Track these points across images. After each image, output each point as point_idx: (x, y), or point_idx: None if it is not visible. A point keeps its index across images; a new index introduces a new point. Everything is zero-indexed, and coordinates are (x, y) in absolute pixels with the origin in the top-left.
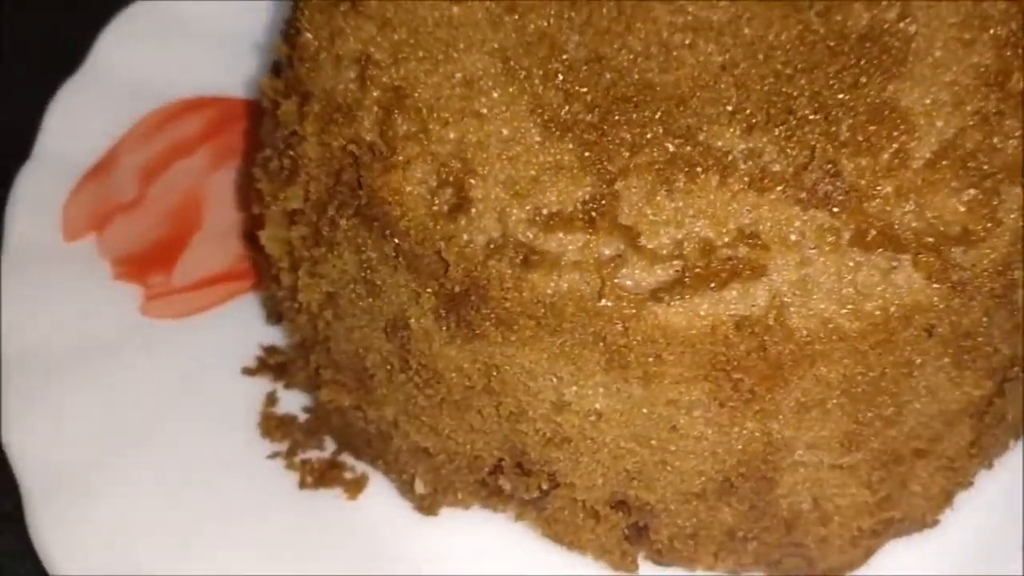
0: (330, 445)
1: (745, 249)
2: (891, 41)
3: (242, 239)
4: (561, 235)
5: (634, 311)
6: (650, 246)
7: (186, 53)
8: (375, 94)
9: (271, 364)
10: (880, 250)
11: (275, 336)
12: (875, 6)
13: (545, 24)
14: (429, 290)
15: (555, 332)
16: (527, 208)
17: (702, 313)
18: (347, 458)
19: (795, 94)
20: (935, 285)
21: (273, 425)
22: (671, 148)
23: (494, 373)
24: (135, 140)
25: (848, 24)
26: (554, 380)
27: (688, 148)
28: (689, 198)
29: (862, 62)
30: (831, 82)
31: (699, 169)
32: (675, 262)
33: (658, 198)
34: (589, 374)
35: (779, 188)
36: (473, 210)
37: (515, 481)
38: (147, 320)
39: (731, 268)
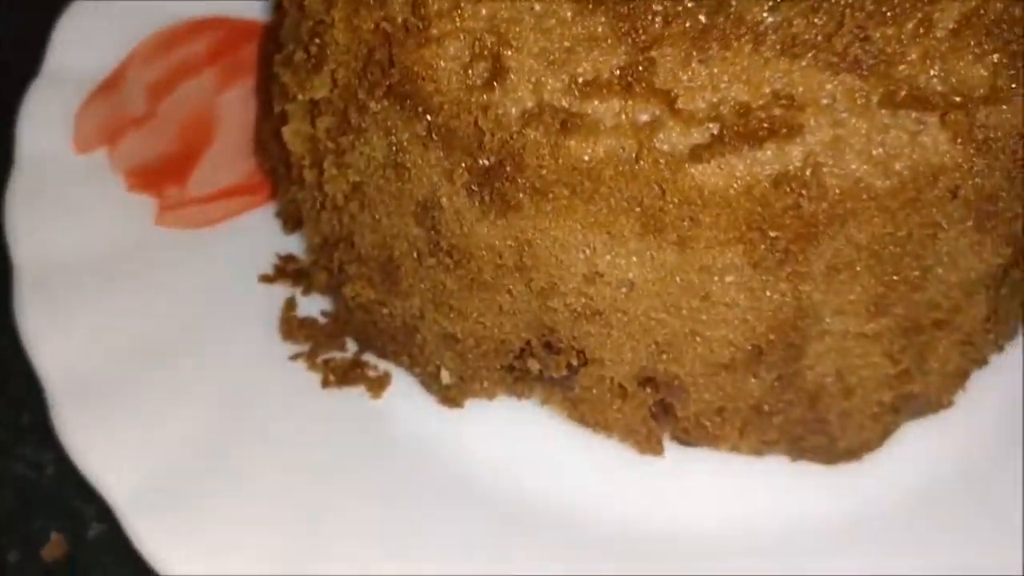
0: (352, 347)
1: (780, 110)
2: None
3: (256, 153)
4: (597, 102)
5: (671, 173)
6: (688, 109)
7: None
8: None
9: (289, 271)
10: (908, 111)
11: (291, 246)
12: None
13: None
14: (463, 166)
15: (591, 199)
16: (563, 77)
17: (739, 173)
18: (370, 358)
19: None
20: (960, 146)
21: (294, 327)
22: (703, 19)
23: (526, 248)
24: (143, 58)
25: None
26: (587, 252)
27: (720, 18)
28: (724, 64)
29: None
30: None
31: (732, 37)
32: (712, 124)
33: (693, 64)
34: (623, 241)
35: (810, 54)
36: (508, 81)
37: (544, 360)
38: (162, 230)
39: (769, 127)
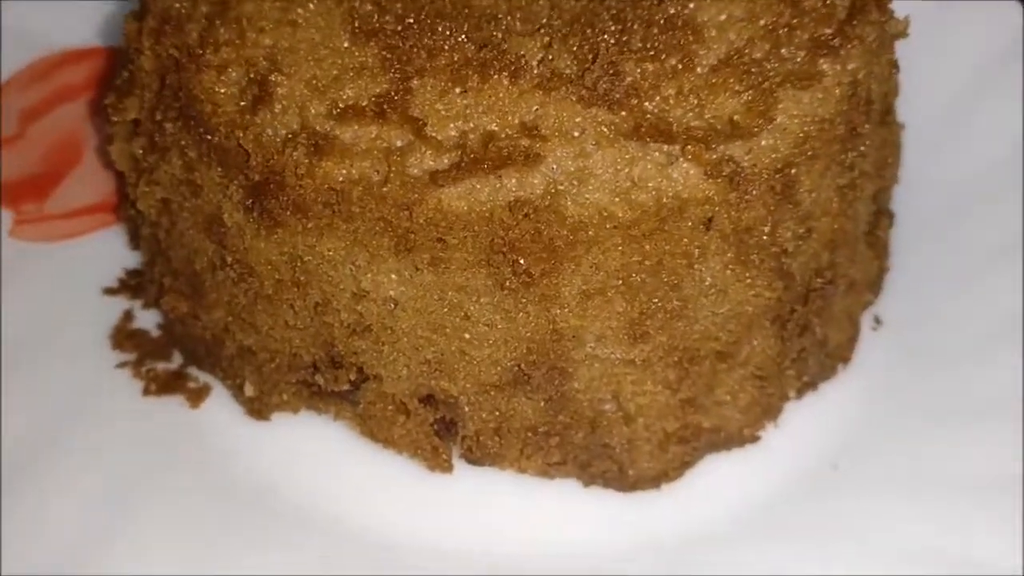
0: (179, 359)
1: (526, 140)
2: None
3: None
4: (355, 127)
5: (418, 196)
6: (436, 136)
7: (74, 3)
8: (203, 9)
9: (130, 285)
10: (656, 144)
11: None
12: None
13: None
14: (236, 183)
15: (348, 219)
16: (326, 103)
17: (482, 198)
18: (193, 370)
19: (602, 13)
20: (711, 179)
21: (124, 337)
22: (469, 54)
23: (298, 263)
24: (20, 85)
25: None
26: (352, 268)
27: (484, 52)
28: (480, 96)
29: None
30: (639, 3)
31: (492, 71)
32: (457, 151)
33: (450, 95)
34: (381, 260)
35: (565, 88)
36: (276, 105)
37: (328, 375)
38: (14, 242)
39: (510, 156)
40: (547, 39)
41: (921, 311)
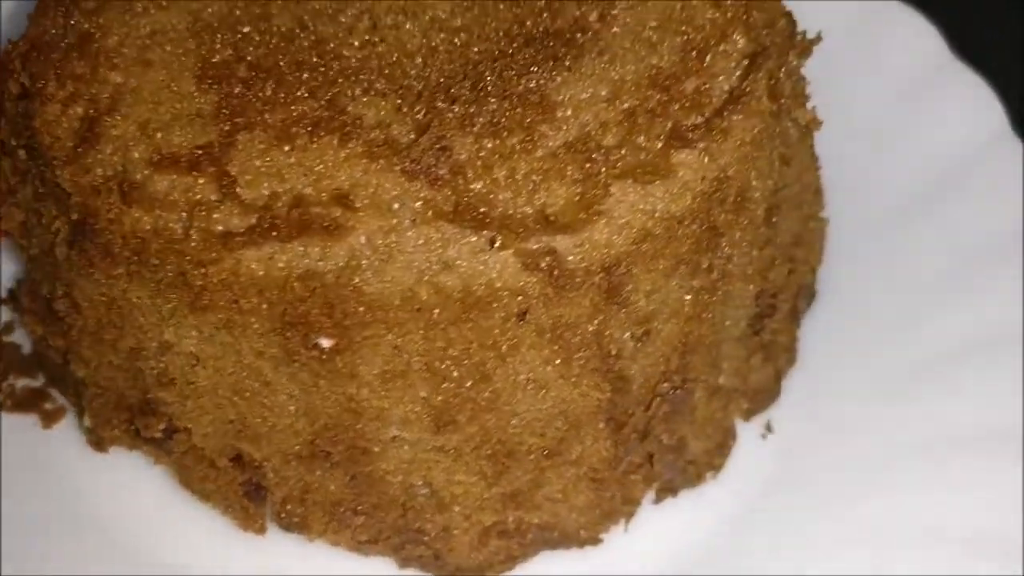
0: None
1: (337, 210)
2: (580, 37)
3: None
4: (172, 176)
5: (215, 255)
6: (245, 195)
7: None
8: (70, 39)
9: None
10: (475, 229)
11: None
12: (584, 5)
13: None
14: (62, 219)
15: (151, 269)
16: (150, 148)
17: (279, 265)
18: (56, 392)
19: (464, 80)
20: (527, 270)
21: None
22: (307, 111)
23: (114, 306)
24: None
25: (556, 22)
26: (157, 318)
27: (322, 113)
28: (304, 156)
29: (540, 55)
30: (504, 72)
31: (323, 131)
32: (261, 212)
33: (273, 153)
34: (182, 315)
35: (392, 157)
36: (107, 146)
37: (140, 421)
38: None
39: (310, 223)
40: (398, 103)
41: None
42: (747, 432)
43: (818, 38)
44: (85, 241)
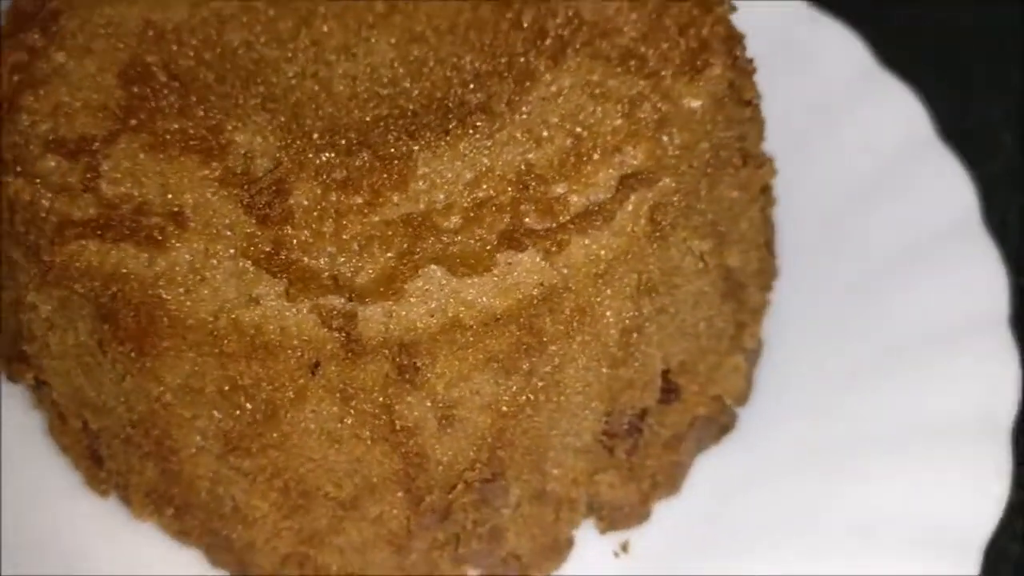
0: None
1: (172, 225)
2: (478, 117)
3: None
4: (58, 159)
5: (62, 237)
6: (105, 191)
7: None
8: (43, 14)
9: None
10: (280, 273)
11: None
12: (504, 84)
13: None
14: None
15: (19, 236)
16: (51, 129)
17: (112, 261)
18: None
19: (345, 130)
20: (324, 327)
21: None
22: (188, 126)
23: (2, 259)
24: None
25: (474, 95)
26: (26, 279)
27: (200, 131)
28: (167, 167)
29: (435, 123)
30: (392, 130)
31: (192, 150)
32: (107, 211)
33: (144, 159)
34: (36, 284)
35: (239, 188)
36: (21, 117)
37: (15, 367)
38: None
39: (138, 230)
40: (283, 140)
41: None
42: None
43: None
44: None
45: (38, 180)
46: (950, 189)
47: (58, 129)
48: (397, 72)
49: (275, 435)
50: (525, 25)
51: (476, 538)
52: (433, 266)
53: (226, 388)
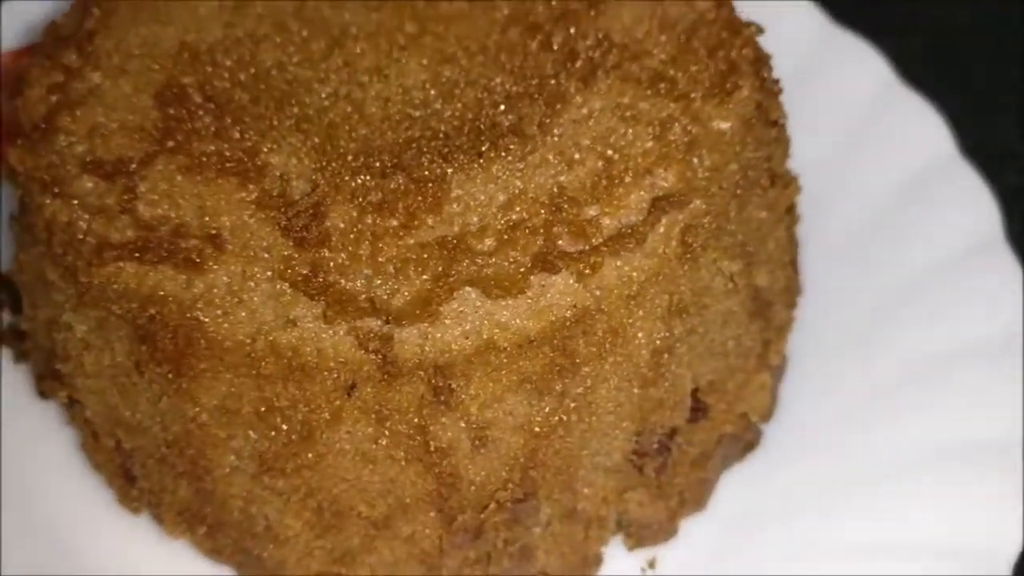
0: None
1: (209, 247)
2: (510, 140)
3: None
4: (96, 179)
5: (100, 259)
6: (142, 212)
7: None
8: (79, 34)
9: None
10: (319, 296)
11: None
12: (535, 106)
13: None
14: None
15: (56, 257)
16: (88, 150)
17: (150, 283)
18: None
19: (379, 154)
20: (360, 349)
21: None
22: (225, 148)
23: (39, 279)
24: None
25: (506, 116)
26: (62, 298)
27: (236, 154)
28: (204, 189)
29: (467, 146)
30: (426, 152)
31: (229, 172)
32: (145, 232)
33: (181, 180)
34: (72, 305)
35: (277, 211)
36: (57, 137)
37: (48, 385)
38: None
39: (175, 251)
40: (319, 163)
41: None
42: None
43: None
44: (21, 217)
45: (75, 201)
46: (974, 208)
47: (95, 150)
48: (429, 94)
49: (310, 456)
50: (555, 47)
51: (507, 556)
52: (468, 288)
53: (262, 409)
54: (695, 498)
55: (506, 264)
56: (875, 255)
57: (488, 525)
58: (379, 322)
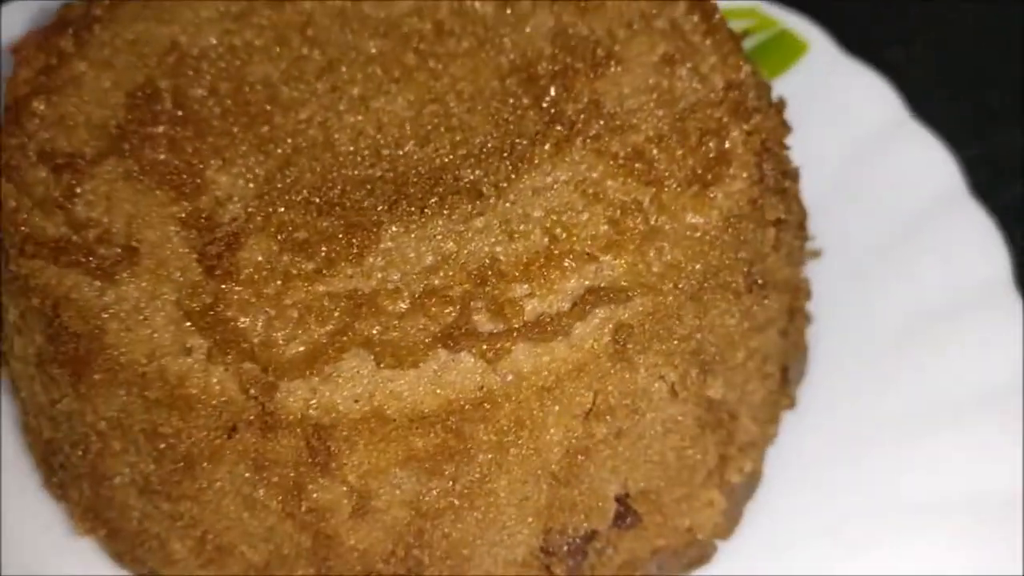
0: None
1: (125, 260)
2: (461, 199)
3: None
4: (47, 171)
5: (31, 250)
6: (77, 212)
7: None
8: (82, 22)
9: None
10: (209, 330)
11: None
12: (500, 167)
13: None
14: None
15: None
16: (50, 139)
17: (68, 283)
18: None
19: (328, 190)
20: (243, 393)
21: None
22: (171, 158)
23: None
24: None
25: (472, 172)
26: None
27: (180, 165)
28: (139, 198)
29: (417, 196)
30: (368, 199)
31: (167, 184)
32: (68, 233)
33: (121, 186)
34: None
35: (199, 234)
36: (30, 121)
37: None
38: None
39: (92, 256)
40: (262, 190)
41: None
42: None
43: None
44: None
45: (25, 189)
46: (981, 247)
47: (56, 140)
48: (404, 133)
49: (193, 487)
50: (544, 104)
51: None
52: (354, 351)
53: (149, 432)
54: None
55: (411, 331)
56: (881, 293)
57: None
58: (260, 368)
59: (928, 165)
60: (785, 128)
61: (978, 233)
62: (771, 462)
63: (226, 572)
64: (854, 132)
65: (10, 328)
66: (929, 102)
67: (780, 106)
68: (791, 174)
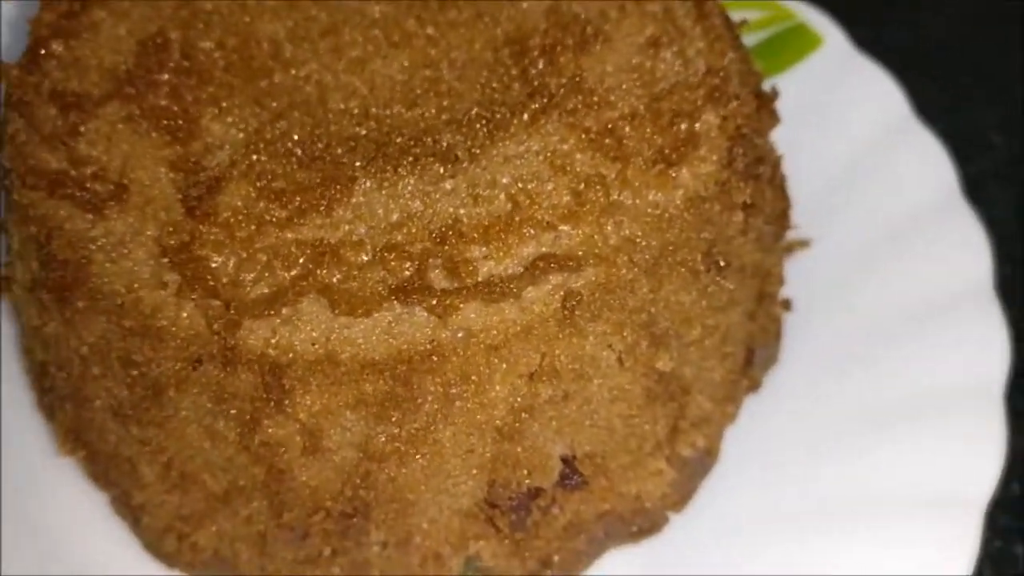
0: None
1: (115, 197)
2: (434, 160)
3: None
4: (59, 108)
5: (33, 183)
6: (79, 150)
7: None
8: None
9: None
10: (182, 266)
11: None
12: (477, 130)
13: None
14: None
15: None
16: (67, 79)
17: (62, 213)
18: None
19: (316, 143)
20: (208, 328)
21: None
22: (170, 104)
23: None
24: None
25: (452, 136)
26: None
27: (178, 111)
28: (136, 140)
29: (397, 155)
30: (352, 151)
31: (164, 128)
32: (66, 168)
33: (122, 128)
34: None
35: (185, 176)
36: (49, 63)
37: None
38: None
39: (85, 191)
40: (254, 142)
41: None
42: None
43: None
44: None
45: (34, 124)
46: (966, 249)
47: (68, 81)
48: (395, 95)
49: (160, 414)
50: (530, 76)
51: (337, 566)
52: (308, 297)
53: (124, 359)
54: (564, 566)
55: (369, 283)
56: (865, 293)
57: (315, 530)
58: (227, 306)
59: (926, 166)
60: (771, 118)
61: (965, 236)
62: (732, 443)
63: (189, 498)
64: (858, 129)
65: (13, 255)
66: (931, 103)
67: (768, 97)
68: (770, 162)
